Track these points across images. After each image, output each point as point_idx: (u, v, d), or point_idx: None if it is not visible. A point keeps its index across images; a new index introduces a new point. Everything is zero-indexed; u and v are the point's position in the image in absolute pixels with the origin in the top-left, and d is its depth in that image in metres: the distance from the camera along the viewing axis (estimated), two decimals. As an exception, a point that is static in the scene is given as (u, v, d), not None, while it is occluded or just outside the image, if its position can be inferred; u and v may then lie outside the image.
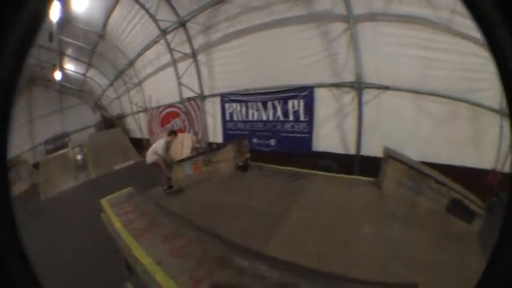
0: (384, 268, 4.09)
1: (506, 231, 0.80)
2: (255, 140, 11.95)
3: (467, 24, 7.39)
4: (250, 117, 12.41)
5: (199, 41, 13.19)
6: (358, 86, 7.34)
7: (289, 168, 8.61)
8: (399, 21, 6.98)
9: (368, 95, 7.63)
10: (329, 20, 7.16)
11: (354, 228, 5.12)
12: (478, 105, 7.91)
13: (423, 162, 7.16)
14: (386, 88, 7.35)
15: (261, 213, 6.11)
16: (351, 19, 6.82)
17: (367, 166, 7.69)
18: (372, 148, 8.11)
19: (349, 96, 8.12)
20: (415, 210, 5.85)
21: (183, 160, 9.99)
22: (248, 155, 9.78)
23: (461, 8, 7.36)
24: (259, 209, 6.32)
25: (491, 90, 8.15)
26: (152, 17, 13.32)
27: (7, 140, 0.83)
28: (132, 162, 18.24)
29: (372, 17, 6.92)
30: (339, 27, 7.24)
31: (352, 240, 4.82)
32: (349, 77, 8.09)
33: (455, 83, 7.47)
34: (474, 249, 5.09)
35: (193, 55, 13.73)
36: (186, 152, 13.89)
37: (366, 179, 7.22)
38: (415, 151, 7.31)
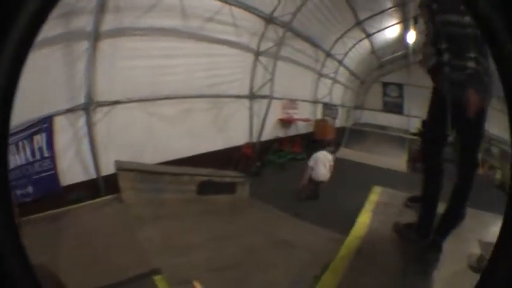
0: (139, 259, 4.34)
1: (506, 231, 0.81)
2: (18, 192, 9.00)
3: (219, 29, 8.52)
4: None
5: None
6: (87, 107, 7.29)
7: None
8: (144, 35, 7.11)
9: (100, 113, 7.73)
10: (75, 39, 6.67)
11: (103, 248, 4.69)
12: (220, 96, 9.34)
13: (167, 162, 7.70)
14: (116, 103, 7.67)
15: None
16: (93, 36, 6.69)
17: (111, 184, 7.81)
18: (111, 166, 8.26)
19: (83, 119, 7.92)
20: (165, 207, 6.14)
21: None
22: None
23: (219, 16, 8.28)
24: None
25: (236, 82, 9.98)
26: None
27: (7, 140, 0.85)
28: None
29: (119, 32, 7.04)
30: (82, 46, 6.96)
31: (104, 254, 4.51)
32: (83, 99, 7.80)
33: (195, 82, 8.35)
34: (254, 210, 6.84)
35: None
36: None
37: (110, 196, 6.97)
38: (155, 155, 7.79)
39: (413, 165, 14.23)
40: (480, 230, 3.53)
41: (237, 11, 8.66)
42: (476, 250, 2.96)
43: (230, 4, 8.29)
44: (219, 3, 8.05)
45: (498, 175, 13.71)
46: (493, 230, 3.67)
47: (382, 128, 19.78)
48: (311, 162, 8.92)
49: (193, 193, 6.50)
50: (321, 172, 8.81)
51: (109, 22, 6.72)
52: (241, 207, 7.21)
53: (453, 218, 2.86)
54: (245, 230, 5.83)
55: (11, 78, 0.81)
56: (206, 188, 6.85)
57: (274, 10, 9.70)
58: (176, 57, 7.83)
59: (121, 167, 6.31)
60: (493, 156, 15.16)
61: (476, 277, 2.10)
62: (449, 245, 3.05)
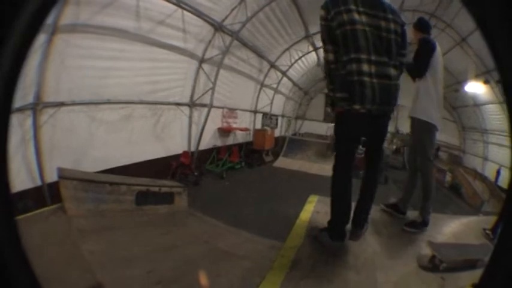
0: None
1: (506, 231, 0.82)
2: None
3: (168, 33, 8.23)
4: None
5: None
6: (34, 107, 6.47)
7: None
8: (95, 33, 6.54)
9: (46, 115, 6.91)
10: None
11: (45, 261, 4.55)
12: (160, 103, 9.01)
13: (108, 170, 7.38)
14: (62, 105, 6.96)
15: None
16: (51, 29, 5.86)
17: (56, 193, 7.13)
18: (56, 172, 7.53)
19: (30, 120, 7.02)
20: (106, 218, 5.86)
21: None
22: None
23: (170, 19, 8.00)
24: None
25: (177, 88, 9.68)
26: None
27: (7, 140, 0.86)
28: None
29: (74, 27, 6.28)
30: (41, 39, 6.07)
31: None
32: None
33: (137, 88, 8.03)
34: (193, 220, 6.59)
35: None
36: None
37: (54, 206, 6.73)
38: (96, 162, 7.36)
39: (356, 173, 14.79)
40: (430, 231, 3.74)
41: (188, 16, 8.41)
42: (426, 251, 3.09)
43: (183, 8, 8.03)
44: (173, 6, 7.76)
45: (448, 177, 15.27)
46: (445, 230, 4.08)
47: (324, 137, 20.38)
48: None
49: (132, 203, 6.07)
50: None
51: (68, 15, 6.11)
52: (180, 218, 6.79)
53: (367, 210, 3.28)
54: (185, 241, 5.59)
55: (12, 76, 0.83)
56: (144, 198, 6.39)
57: (225, 18, 9.57)
58: (122, 59, 7.42)
59: (63, 175, 5.79)
60: (442, 161, 17.36)
61: (428, 276, 2.73)
62: (398, 248, 3.27)
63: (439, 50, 3.81)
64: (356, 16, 2.70)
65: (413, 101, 3.85)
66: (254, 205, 8.79)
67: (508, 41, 0.74)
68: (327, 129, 19.35)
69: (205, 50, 9.96)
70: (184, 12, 8.17)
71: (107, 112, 7.54)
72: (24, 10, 0.79)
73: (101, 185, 6.01)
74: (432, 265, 2.93)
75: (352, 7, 2.71)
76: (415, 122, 3.82)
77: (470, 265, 2.99)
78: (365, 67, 2.69)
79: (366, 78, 2.70)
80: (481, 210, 11.99)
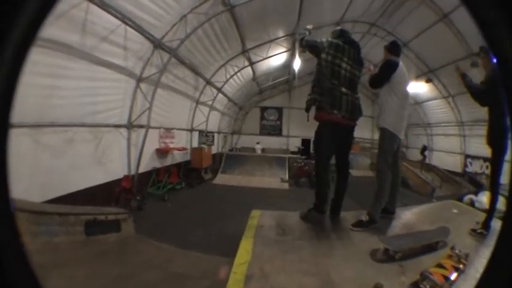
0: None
1: (506, 231, 0.82)
2: None
3: (110, 50, 7.86)
4: None
5: None
6: None
7: None
8: (43, 47, 5.75)
9: None
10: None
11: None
12: (100, 125, 8.45)
13: (56, 199, 7.02)
14: (11, 126, 6.05)
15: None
16: None
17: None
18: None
19: None
20: (59, 251, 5.64)
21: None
22: None
23: (113, 35, 7.67)
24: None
25: (117, 109, 9.15)
26: None
27: (7, 140, 0.88)
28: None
29: None
30: None
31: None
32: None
33: (79, 109, 7.54)
34: (142, 246, 6.71)
35: None
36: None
37: None
38: (44, 190, 6.84)
39: (296, 181, 15.82)
40: (389, 225, 4.21)
41: (130, 32, 8.16)
42: (378, 245, 3.29)
43: (127, 24, 7.79)
44: (117, 21, 7.50)
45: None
46: (406, 221, 4.45)
47: (261, 150, 21.09)
48: None
49: (83, 234, 6.00)
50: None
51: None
52: (130, 245, 6.86)
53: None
54: (139, 268, 5.60)
55: (11, 78, 0.83)
56: (93, 228, 6.32)
57: (165, 35, 9.43)
58: (65, 78, 6.96)
59: (17, 207, 5.05)
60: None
61: (385, 267, 3.01)
62: (350, 247, 3.48)
63: (404, 70, 4.31)
64: (344, 64, 4.17)
65: (379, 114, 4.31)
66: (199, 225, 8.76)
67: (508, 39, 0.74)
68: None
69: (144, 68, 9.66)
70: (127, 28, 7.90)
71: (48, 135, 6.98)
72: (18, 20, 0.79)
73: (49, 217, 5.74)
74: (387, 257, 3.13)
75: (345, 59, 4.18)
76: (381, 131, 4.25)
77: (431, 249, 3.33)
78: (343, 90, 4.14)
79: (344, 96, 4.12)
80: (433, 196, 13.02)
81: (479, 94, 3.99)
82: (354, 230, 3.94)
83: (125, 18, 7.58)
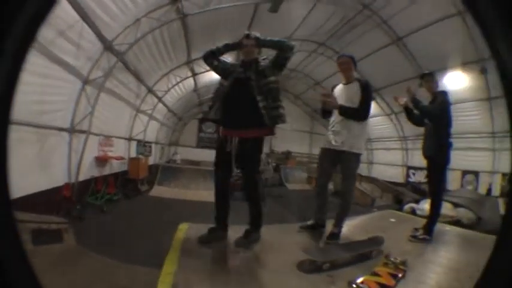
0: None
1: (506, 231, 0.83)
2: None
3: (64, 46, 7.51)
4: None
5: None
6: None
7: None
8: None
9: None
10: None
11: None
12: (45, 127, 7.92)
13: None
14: None
15: None
16: None
17: None
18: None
19: None
20: None
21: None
22: None
23: (70, 31, 7.35)
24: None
25: (61, 112, 8.66)
26: None
27: (7, 140, 0.87)
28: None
29: None
30: None
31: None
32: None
33: (27, 107, 6.96)
34: (85, 259, 6.51)
35: None
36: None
37: None
38: None
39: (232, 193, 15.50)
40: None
41: (86, 29, 7.94)
42: (305, 257, 3.40)
43: (85, 20, 7.60)
44: (77, 16, 7.28)
45: (330, 186, 16.88)
46: (348, 232, 4.47)
47: (197, 163, 20.81)
48: None
49: (30, 243, 5.72)
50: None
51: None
52: (73, 257, 6.69)
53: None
54: (84, 282, 5.55)
55: (11, 79, 0.83)
56: (38, 237, 6.16)
57: (116, 37, 9.28)
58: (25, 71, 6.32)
59: None
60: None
61: (313, 278, 3.03)
62: (274, 260, 3.45)
63: None
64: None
65: (354, 141, 4.25)
66: (137, 237, 8.54)
67: (507, 40, 0.76)
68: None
69: (91, 69, 9.32)
70: (84, 25, 7.67)
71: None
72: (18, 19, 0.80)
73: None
74: (314, 267, 3.17)
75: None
76: (355, 157, 4.28)
77: (365, 258, 3.51)
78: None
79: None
80: (374, 206, 13.83)
81: (431, 114, 4.57)
82: (331, 243, 3.98)
83: (84, 14, 7.38)
